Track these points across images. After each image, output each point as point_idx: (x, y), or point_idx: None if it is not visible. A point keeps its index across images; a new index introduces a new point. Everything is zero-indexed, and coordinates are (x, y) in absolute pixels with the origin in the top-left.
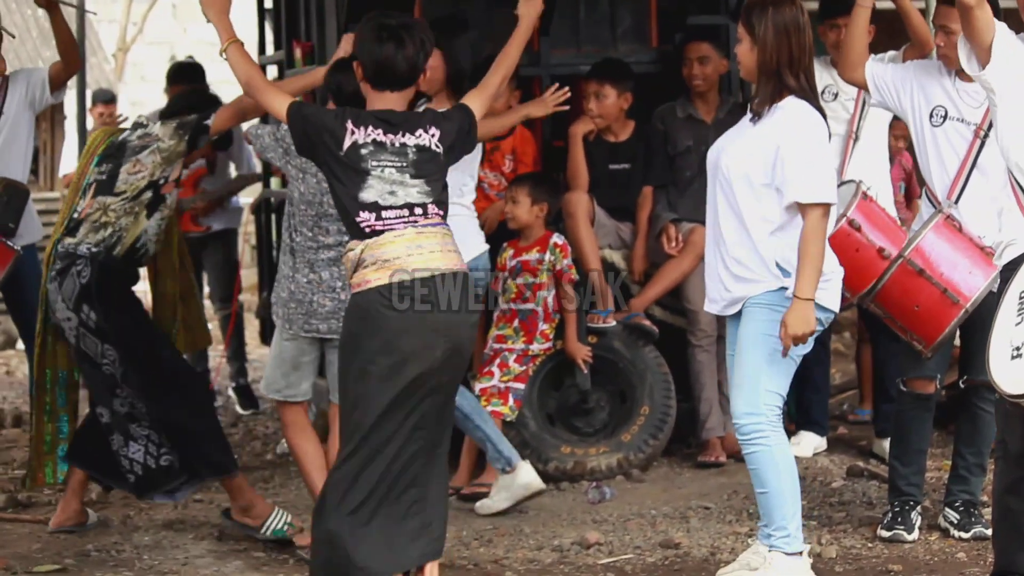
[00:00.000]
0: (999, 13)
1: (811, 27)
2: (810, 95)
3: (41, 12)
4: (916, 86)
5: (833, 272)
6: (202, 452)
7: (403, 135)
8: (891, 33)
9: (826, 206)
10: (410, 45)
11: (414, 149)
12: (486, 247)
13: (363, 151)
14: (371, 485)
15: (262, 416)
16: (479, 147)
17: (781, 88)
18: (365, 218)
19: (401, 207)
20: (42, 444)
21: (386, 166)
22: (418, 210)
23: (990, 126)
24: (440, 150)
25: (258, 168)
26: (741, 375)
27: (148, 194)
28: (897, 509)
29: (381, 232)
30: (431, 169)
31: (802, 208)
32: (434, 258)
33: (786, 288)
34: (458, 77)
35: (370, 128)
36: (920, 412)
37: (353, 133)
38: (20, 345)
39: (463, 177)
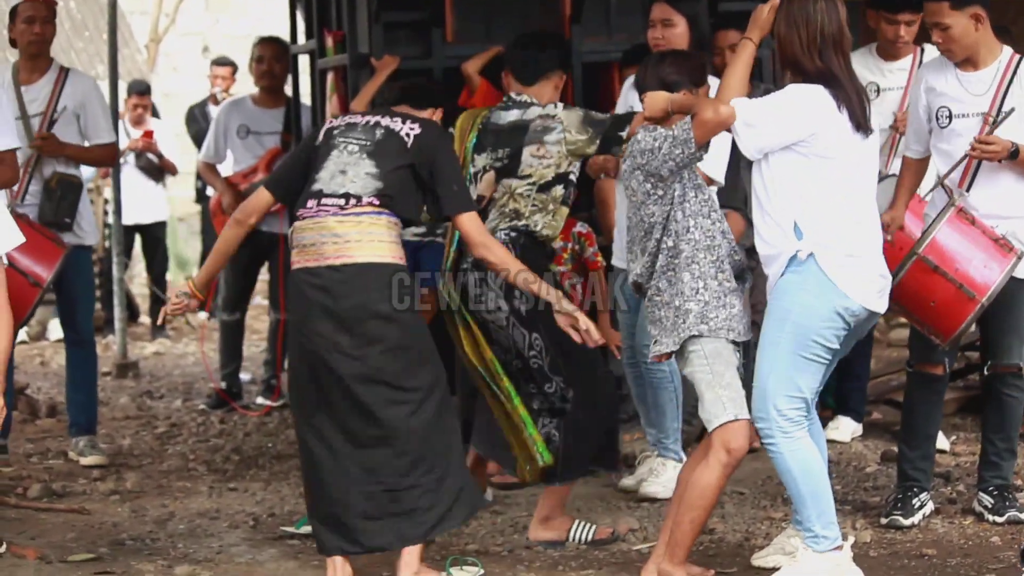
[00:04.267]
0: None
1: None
2: (831, 78)
3: (73, 3)
4: (926, 90)
5: (883, 275)
6: (589, 446)
7: (381, 117)
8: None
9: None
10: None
11: (383, 130)
12: None
13: (335, 131)
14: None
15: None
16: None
17: (801, 77)
18: (309, 206)
19: (340, 196)
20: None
21: (351, 142)
22: (352, 200)
23: (999, 111)
24: (408, 141)
25: None
26: (756, 376)
27: (559, 189)
28: (900, 496)
29: (310, 218)
30: (389, 153)
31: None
32: (349, 247)
33: (799, 251)
34: (699, 44)
35: (348, 116)
36: (929, 395)
37: (329, 123)
38: (52, 336)
39: None
